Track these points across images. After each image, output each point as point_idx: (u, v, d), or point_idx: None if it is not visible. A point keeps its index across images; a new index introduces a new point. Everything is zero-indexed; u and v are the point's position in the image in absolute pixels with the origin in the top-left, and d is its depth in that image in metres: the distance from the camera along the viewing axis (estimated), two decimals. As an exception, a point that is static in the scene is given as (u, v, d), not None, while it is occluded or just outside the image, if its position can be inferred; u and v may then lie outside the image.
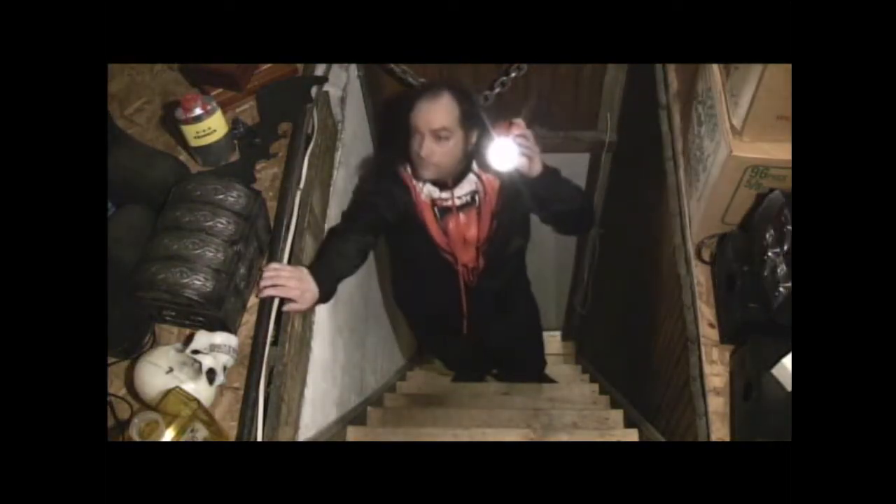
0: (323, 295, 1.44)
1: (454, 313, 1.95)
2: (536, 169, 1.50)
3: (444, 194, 1.65)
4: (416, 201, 1.65)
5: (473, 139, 1.56)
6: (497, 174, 1.61)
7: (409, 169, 1.63)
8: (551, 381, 2.92)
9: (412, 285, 2.09)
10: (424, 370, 3.19)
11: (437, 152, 1.53)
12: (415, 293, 2.12)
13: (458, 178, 1.62)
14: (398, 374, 2.91)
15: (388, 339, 2.73)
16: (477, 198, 1.65)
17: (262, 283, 1.36)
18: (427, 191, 1.65)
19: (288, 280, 1.36)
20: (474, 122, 1.55)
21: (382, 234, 1.72)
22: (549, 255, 3.26)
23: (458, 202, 1.65)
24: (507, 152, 1.46)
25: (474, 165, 1.61)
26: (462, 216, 1.67)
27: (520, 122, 1.46)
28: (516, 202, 1.65)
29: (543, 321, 2.51)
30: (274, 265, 1.38)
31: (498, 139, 1.46)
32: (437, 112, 1.51)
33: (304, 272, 1.41)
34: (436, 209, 1.67)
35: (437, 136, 1.51)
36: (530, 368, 2.85)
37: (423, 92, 1.54)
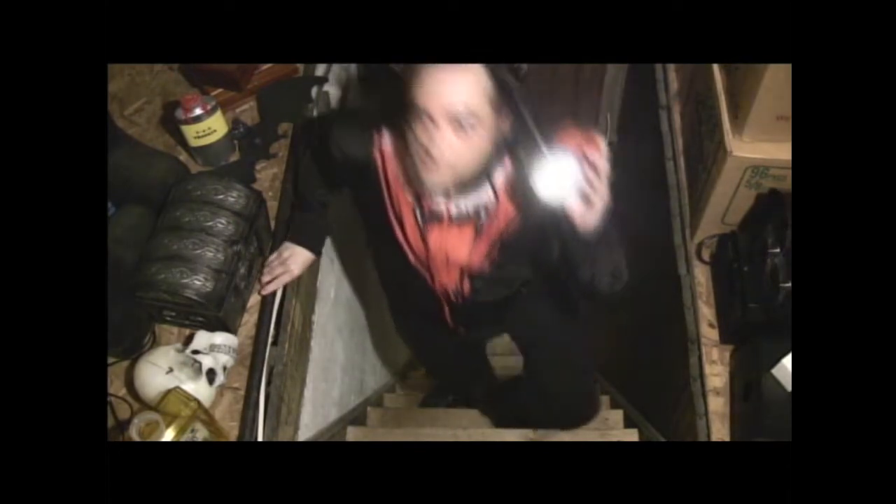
0: (316, 253, 1.46)
1: (434, 314, 1.41)
2: (590, 222, 0.96)
3: (438, 196, 1.13)
4: (388, 188, 1.16)
5: (506, 129, 1.04)
6: (521, 197, 1.09)
7: (383, 140, 1.14)
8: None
9: (380, 267, 1.51)
10: (405, 393, 2.73)
11: (455, 148, 1.00)
12: (384, 274, 1.53)
13: (468, 184, 1.09)
14: (397, 376, 2.91)
15: (388, 339, 2.73)
16: (483, 213, 1.14)
17: (263, 280, 1.41)
18: (414, 182, 1.12)
19: (278, 268, 1.42)
20: (509, 103, 1.02)
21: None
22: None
23: (454, 210, 1.13)
24: (559, 177, 0.93)
25: (496, 173, 1.10)
26: (455, 230, 1.16)
27: (600, 140, 0.94)
28: (535, 241, 1.17)
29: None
30: (267, 263, 1.43)
31: (555, 154, 0.93)
32: (461, 86, 0.97)
33: (286, 247, 1.43)
34: (419, 211, 1.16)
35: (459, 123, 0.98)
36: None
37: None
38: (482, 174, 1.10)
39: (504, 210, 1.13)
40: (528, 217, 1.12)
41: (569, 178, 0.92)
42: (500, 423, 2.17)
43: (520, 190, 1.07)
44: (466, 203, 1.13)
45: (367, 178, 1.16)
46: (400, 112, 1.04)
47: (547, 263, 1.19)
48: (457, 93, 0.97)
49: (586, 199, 0.94)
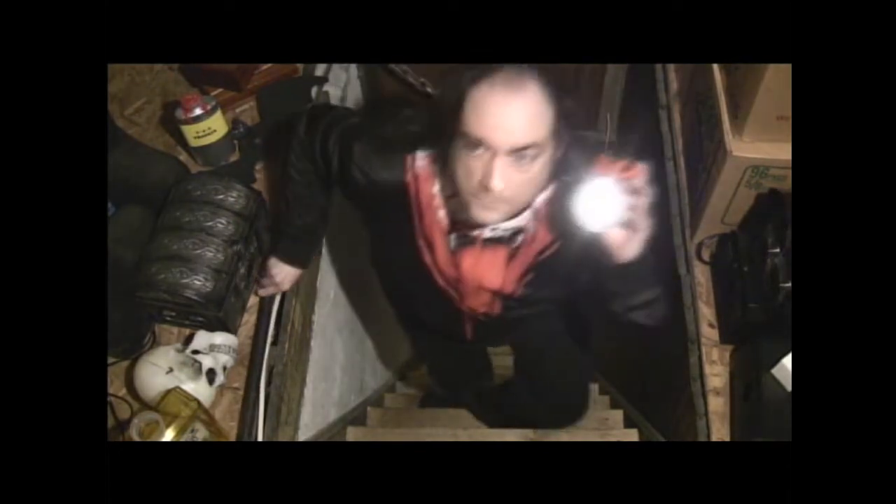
0: (303, 266, 1.42)
1: (454, 330, 1.35)
2: (631, 253, 0.92)
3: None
4: (419, 213, 1.09)
5: (560, 153, 0.97)
6: (560, 221, 1.02)
7: (417, 164, 1.07)
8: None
9: (393, 283, 1.42)
10: (405, 393, 2.71)
11: (514, 182, 0.93)
12: (397, 290, 1.45)
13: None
14: (396, 374, 2.91)
15: (389, 338, 2.73)
16: (519, 237, 1.07)
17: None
18: (448, 207, 1.08)
19: (265, 281, 1.40)
20: (563, 128, 0.96)
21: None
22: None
23: (488, 233, 1.07)
24: (601, 206, 0.88)
25: (539, 196, 1.03)
26: (488, 254, 1.10)
27: (642, 168, 0.89)
28: (572, 266, 1.08)
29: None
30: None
31: (598, 181, 0.88)
32: (523, 116, 0.90)
33: (274, 263, 1.38)
34: (452, 236, 1.09)
35: (520, 155, 0.91)
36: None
37: (488, 73, 0.91)
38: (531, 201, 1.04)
39: (541, 234, 1.07)
40: (567, 242, 1.06)
41: (612, 205, 0.87)
42: (493, 424, 2.16)
43: (559, 214, 1.00)
44: (503, 225, 1.06)
45: (394, 202, 1.10)
46: (445, 137, 0.97)
47: (581, 289, 1.13)
48: (520, 123, 0.90)
49: (628, 227, 0.89)
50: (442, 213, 1.08)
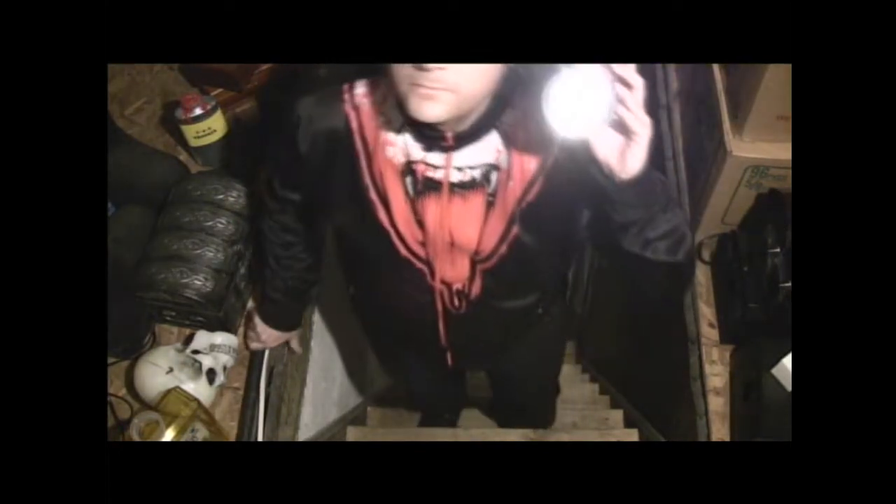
0: (289, 328, 1.33)
1: (429, 340, 1.14)
2: (634, 164, 0.75)
3: (433, 155, 0.89)
4: (366, 153, 0.91)
5: None
6: (540, 144, 0.83)
7: (355, 92, 0.92)
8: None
9: (362, 283, 1.22)
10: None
11: (456, 64, 0.77)
12: (367, 295, 1.24)
13: (471, 132, 0.86)
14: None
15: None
16: (493, 177, 0.89)
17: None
18: (401, 141, 0.89)
19: (251, 333, 1.34)
20: None
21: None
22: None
23: (455, 176, 0.89)
24: (582, 103, 0.69)
25: (505, 115, 0.86)
26: (458, 201, 0.91)
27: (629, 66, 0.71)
28: (564, 208, 0.90)
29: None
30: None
31: (574, 72, 0.70)
32: None
33: (258, 323, 1.29)
34: (409, 179, 0.91)
35: None
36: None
37: None
38: (488, 116, 0.85)
39: (520, 168, 0.87)
40: (553, 173, 0.86)
41: (596, 102, 0.68)
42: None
43: (537, 135, 0.79)
44: (470, 162, 0.88)
45: (341, 151, 0.91)
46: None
47: (583, 236, 0.92)
48: None
49: (624, 129, 0.71)
50: (392, 150, 0.90)
